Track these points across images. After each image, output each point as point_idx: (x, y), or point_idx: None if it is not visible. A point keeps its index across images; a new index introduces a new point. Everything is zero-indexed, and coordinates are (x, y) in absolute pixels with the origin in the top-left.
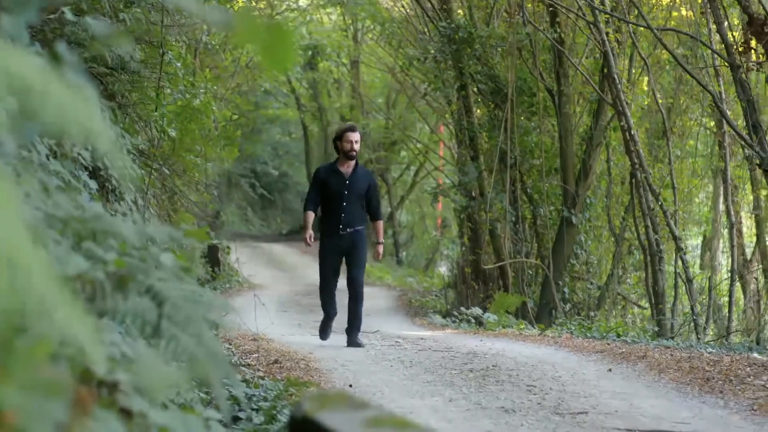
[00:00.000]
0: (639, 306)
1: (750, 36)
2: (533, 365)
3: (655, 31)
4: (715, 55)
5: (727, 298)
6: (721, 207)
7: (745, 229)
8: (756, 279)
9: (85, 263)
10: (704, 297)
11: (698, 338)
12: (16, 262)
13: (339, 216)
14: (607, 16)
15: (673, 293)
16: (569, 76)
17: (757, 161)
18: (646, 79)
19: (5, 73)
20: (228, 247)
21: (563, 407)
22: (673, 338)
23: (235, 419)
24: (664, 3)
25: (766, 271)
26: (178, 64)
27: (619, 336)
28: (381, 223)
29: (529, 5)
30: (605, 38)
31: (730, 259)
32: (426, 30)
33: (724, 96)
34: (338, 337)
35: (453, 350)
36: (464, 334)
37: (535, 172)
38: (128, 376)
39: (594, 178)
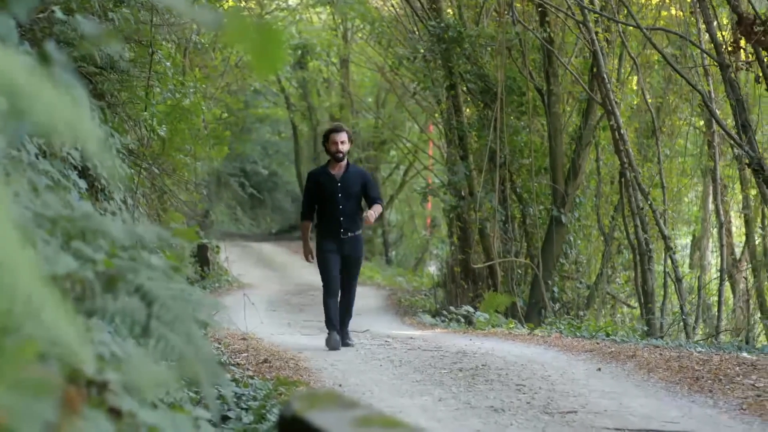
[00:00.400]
0: (628, 305)
1: (739, 35)
2: (523, 364)
3: (645, 30)
4: (705, 55)
5: (716, 298)
6: (711, 206)
7: (734, 229)
8: (745, 278)
9: (74, 263)
10: (693, 296)
11: (687, 337)
12: (3, 261)
13: (337, 219)
14: (596, 15)
15: (662, 292)
16: (559, 76)
17: (746, 160)
18: (635, 78)
19: None
20: (217, 247)
21: (552, 406)
22: (662, 337)
23: (225, 418)
24: (653, 2)
25: (755, 270)
26: (168, 64)
27: (608, 335)
28: (379, 206)
29: (519, 5)
30: (594, 37)
31: (719, 259)
32: (415, 29)
33: (713, 95)
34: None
35: (442, 349)
36: (453, 333)
37: (524, 172)
38: (117, 375)
39: (583, 177)
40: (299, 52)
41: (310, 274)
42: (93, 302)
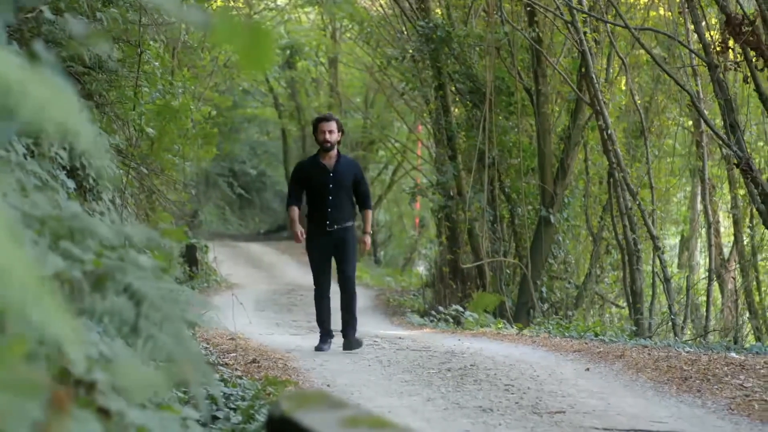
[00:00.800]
0: (617, 305)
1: (727, 35)
2: (511, 364)
3: (633, 30)
4: (693, 55)
5: (704, 298)
6: (699, 206)
7: (722, 229)
8: (733, 278)
9: (63, 262)
10: (682, 296)
11: (676, 337)
12: None
13: (325, 212)
14: (584, 15)
15: (650, 292)
16: (547, 76)
17: (735, 161)
18: (624, 78)
19: None
20: (206, 247)
21: (541, 406)
22: (650, 337)
23: (213, 418)
24: (641, 3)
25: (744, 270)
26: (156, 64)
27: (596, 335)
28: (370, 213)
29: (507, 5)
30: (583, 38)
31: (707, 259)
32: (404, 29)
33: (701, 95)
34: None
35: (431, 349)
36: (442, 333)
37: (513, 172)
38: (106, 375)
39: (572, 177)
40: (288, 51)
41: (299, 274)
42: (81, 302)
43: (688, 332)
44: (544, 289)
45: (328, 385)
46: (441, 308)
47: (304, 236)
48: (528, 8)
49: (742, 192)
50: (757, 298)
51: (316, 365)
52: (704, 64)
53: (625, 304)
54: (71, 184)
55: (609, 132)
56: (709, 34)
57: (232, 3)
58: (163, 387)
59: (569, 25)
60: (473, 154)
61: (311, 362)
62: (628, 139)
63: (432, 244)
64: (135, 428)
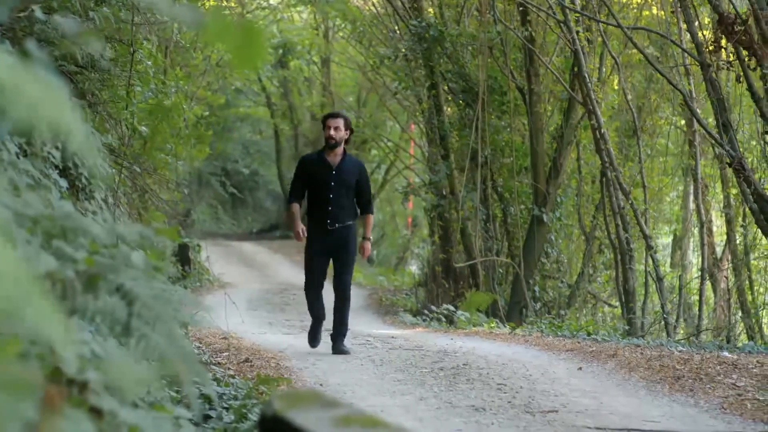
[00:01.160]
0: (609, 305)
1: (720, 35)
2: (504, 364)
3: (626, 29)
4: (686, 54)
5: (697, 297)
6: (692, 206)
7: (715, 228)
8: (726, 278)
9: (55, 262)
10: (675, 296)
11: (668, 337)
12: None
13: (326, 210)
14: (577, 14)
15: (643, 292)
16: (540, 75)
17: (728, 160)
18: (616, 77)
19: None
20: (199, 246)
21: (534, 406)
22: (643, 337)
23: (206, 418)
24: (634, 2)
25: (736, 269)
26: (149, 63)
27: (589, 334)
28: (371, 218)
29: (500, 4)
30: (576, 37)
31: (700, 258)
32: (396, 28)
33: (694, 95)
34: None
35: (423, 349)
36: (435, 332)
37: (505, 171)
38: (98, 374)
39: (564, 176)
40: (280, 51)
41: (291, 274)
42: (74, 301)
43: (681, 331)
44: (536, 289)
45: (321, 385)
46: (434, 307)
47: (305, 234)
48: (521, 7)
49: (734, 191)
50: (749, 298)
51: (308, 364)
52: (697, 63)
53: (617, 304)
54: (64, 183)
55: (602, 131)
56: (702, 33)
57: (224, 2)
58: (156, 386)
59: (562, 25)
60: (466, 153)
61: (304, 361)
62: (621, 139)
63: (425, 243)
64: (127, 427)
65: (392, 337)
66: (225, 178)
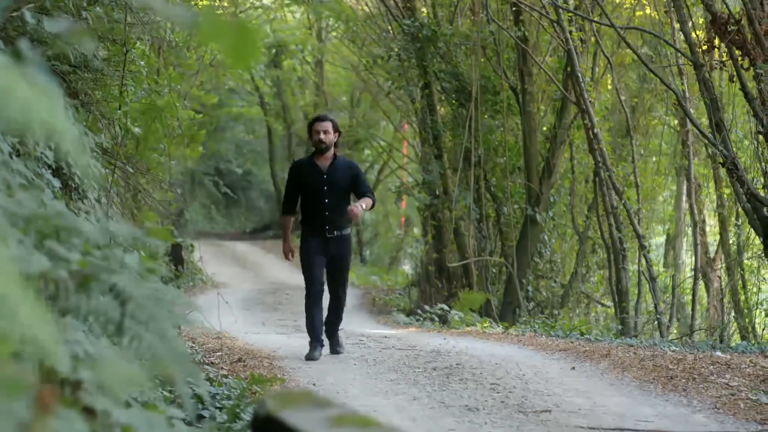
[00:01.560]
0: (602, 304)
1: (713, 35)
2: (497, 363)
3: (619, 29)
4: (679, 54)
5: (690, 297)
6: (685, 205)
7: (708, 228)
8: (719, 277)
9: (48, 262)
10: (668, 295)
11: (662, 336)
12: None
13: (323, 215)
14: (570, 14)
15: (636, 291)
16: (533, 75)
17: (720, 160)
18: (609, 77)
19: None
20: (192, 246)
21: (527, 405)
22: (636, 336)
23: (199, 417)
24: (627, 2)
25: (730, 269)
26: (142, 63)
27: (582, 334)
28: (369, 199)
29: (493, 3)
30: (569, 37)
31: (693, 258)
32: (390, 28)
33: (687, 95)
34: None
35: (417, 349)
36: (428, 332)
37: (498, 171)
38: (91, 374)
39: (558, 176)
40: (273, 50)
41: (284, 274)
42: (67, 301)
43: (674, 331)
44: (530, 288)
45: (314, 384)
46: (427, 307)
47: (293, 257)
48: (514, 7)
49: (727, 191)
50: (742, 297)
51: (301, 364)
52: (690, 63)
53: (610, 303)
54: (57, 183)
55: (595, 131)
56: (695, 33)
57: (218, 1)
58: (149, 386)
59: (555, 24)
60: (459, 153)
61: (297, 361)
62: (614, 138)
63: (418, 243)
64: (120, 427)
65: (385, 337)
66: (218, 178)
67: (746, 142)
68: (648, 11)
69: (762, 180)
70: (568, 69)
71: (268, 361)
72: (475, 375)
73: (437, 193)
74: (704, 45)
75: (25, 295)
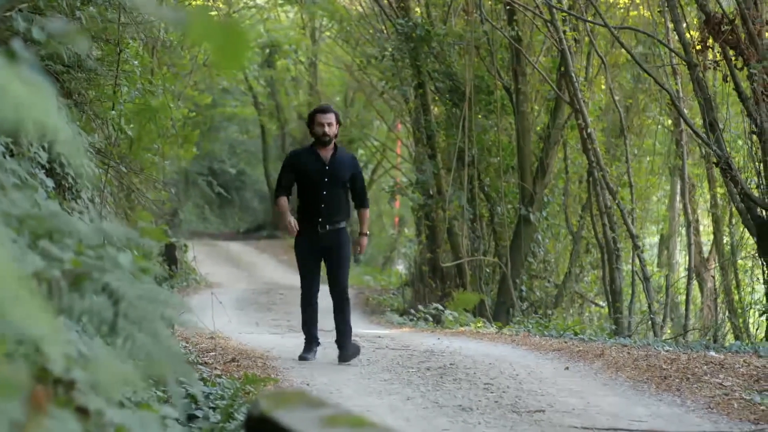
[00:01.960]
0: (596, 304)
1: (707, 35)
2: (490, 363)
3: (612, 29)
4: (673, 54)
5: (684, 297)
6: (679, 205)
7: (702, 228)
8: (713, 277)
9: (41, 261)
10: (661, 295)
11: (655, 336)
12: None
13: (318, 208)
14: (564, 14)
15: (630, 291)
16: (527, 75)
17: (714, 159)
18: (603, 77)
19: None
20: (185, 246)
21: (520, 405)
22: (630, 336)
23: (192, 417)
24: (621, 2)
25: (723, 269)
26: (136, 62)
27: (576, 334)
28: (367, 212)
29: (487, 3)
30: (562, 36)
31: (687, 258)
32: (383, 28)
33: (681, 94)
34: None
35: (410, 348)
36: (422, 332)
37: (492, 171)
38: (85, 374)
39: (551, 176)
40: (267, 50)
41: (278, 274)
42: (60, 301)
43: (668, 331)
44: (523, 288)
45: (308, 384)
46: (420, 307)
47: (298, 228)
48: (507, 7)
49: (721, 191)
50: (736, 297)
51: (295, 364)
52: (684, 63)
53: (604, 303)
54: (50, 182)
55: (588, 131)
56: (689, 33)
57: (211, 2)
58: (142, 385)
59: (549, 24)
60: (453, 152)
61: (291, 361)
62: (608, 138)
63: (411, 242)
64: (114, 427)
65: (379, 337)
66: (212, 178)
67: (740, 142)
68: (642, 11)
69: (756, 180)
70: (562, 69)
71: (261, 361)
72: (469, 375)
73: (431, 193)
74: (698, 45)
75: (18, 295)
